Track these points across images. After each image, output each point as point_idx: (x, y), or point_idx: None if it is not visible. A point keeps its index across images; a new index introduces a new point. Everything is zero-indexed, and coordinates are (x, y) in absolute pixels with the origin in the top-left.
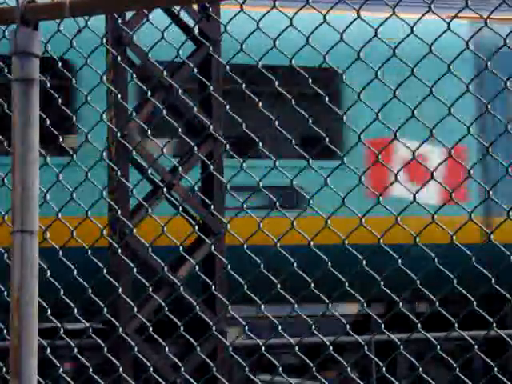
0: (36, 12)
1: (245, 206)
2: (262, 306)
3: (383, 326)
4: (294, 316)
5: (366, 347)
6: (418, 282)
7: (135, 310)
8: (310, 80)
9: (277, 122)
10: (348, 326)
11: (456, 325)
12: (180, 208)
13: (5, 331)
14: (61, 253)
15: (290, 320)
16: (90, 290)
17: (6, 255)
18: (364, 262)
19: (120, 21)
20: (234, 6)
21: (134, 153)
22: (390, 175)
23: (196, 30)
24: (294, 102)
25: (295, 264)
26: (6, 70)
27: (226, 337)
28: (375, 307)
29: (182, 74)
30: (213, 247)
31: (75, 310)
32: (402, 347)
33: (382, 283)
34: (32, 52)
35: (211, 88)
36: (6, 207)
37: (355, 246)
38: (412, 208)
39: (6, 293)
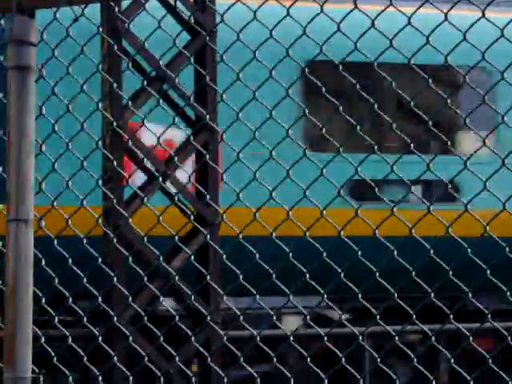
0: (32, 0)
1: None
2: (257, 296)
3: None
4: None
5: (360, 338)
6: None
7: (130, 299)
8: None
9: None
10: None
11: (451, 317)
12: (175, 198)
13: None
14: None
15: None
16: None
17: (0, 243)
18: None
19: (116, 10)
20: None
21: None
22: None
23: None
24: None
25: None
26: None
27: (220, 327)
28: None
29: (178, 64)
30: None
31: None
32: (396, 338)
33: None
34: (28, 40)
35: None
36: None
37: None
38: None
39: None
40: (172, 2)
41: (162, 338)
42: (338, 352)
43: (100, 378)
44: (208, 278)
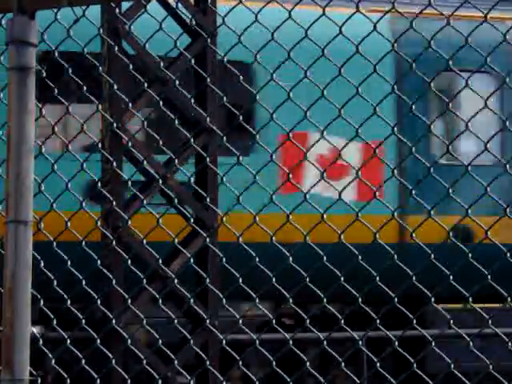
0: (33, 1)
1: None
2: (257, 300)
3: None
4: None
5: (360, 342)
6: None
7: (129, 302)
8: None
9: None
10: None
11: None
12: (175, 201)
13: None
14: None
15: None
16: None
17: None
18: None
19: (117, 11)
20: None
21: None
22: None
23: (193, 23)
24: None
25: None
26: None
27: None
28: None
29: (178, 67)
30: (207, 241)
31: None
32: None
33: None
34: (28, 41)
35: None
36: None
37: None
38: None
39: None
40: (173, 4)
41: (160, 342)
42: (337, 356)
43: (98, 381)
44: (207, 281)
